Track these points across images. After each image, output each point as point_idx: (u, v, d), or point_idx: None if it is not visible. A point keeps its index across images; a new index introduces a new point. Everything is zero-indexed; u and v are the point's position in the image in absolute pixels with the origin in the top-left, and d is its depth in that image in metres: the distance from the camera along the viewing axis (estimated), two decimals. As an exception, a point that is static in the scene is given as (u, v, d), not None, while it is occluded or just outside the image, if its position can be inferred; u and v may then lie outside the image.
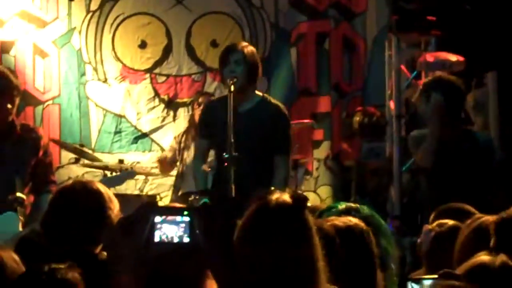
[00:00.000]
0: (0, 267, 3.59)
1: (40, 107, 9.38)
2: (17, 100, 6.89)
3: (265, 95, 6.93)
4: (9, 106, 6.75)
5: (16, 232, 5.91)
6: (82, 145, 8.93)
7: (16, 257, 3.69)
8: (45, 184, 6.96)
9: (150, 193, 8.81)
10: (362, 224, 3.80)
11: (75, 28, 9.40)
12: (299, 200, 3.33)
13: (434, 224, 4.76)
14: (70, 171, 9.07)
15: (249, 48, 6.77)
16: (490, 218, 4.22)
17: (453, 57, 8.51)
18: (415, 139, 7.24)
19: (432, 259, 4.55)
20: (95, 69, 9.43)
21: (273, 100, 6.90)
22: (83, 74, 9.40)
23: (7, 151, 6.82)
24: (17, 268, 3.64)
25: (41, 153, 6.97)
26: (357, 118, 8.84)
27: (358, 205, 4.18)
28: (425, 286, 3.42)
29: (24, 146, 6.91)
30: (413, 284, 3.53)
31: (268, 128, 6.62)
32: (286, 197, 3.33)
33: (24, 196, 6.61)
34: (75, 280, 3.39)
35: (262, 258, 3.25)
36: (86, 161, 8.76)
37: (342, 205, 4.19)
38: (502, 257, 3.33)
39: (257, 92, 6.78)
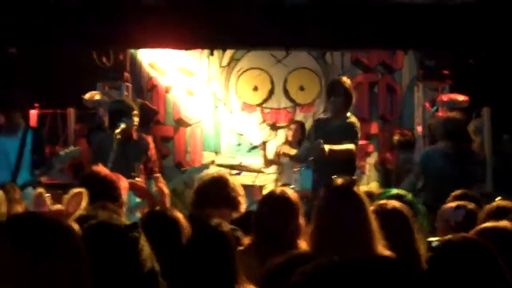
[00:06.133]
0: (178, 224, 3.46)
1: (189, 128, 9.38)
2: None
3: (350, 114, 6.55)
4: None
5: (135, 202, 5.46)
6: (216, 152, 9.14)
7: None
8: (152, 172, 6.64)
9: (259, 184, 8.64)
10: (402, 205, 3.63)
11: (212, 77, 9.43)
12: (352, 181, 3.30)
13: (454, 203, 4.31)
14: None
15: (348, 83, 6.56)
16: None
17: (461, 97, 8.52)
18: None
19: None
20: (225, 104, 9.44)
21: (351, 118, 6.50)
22: (216, 107, 9.41)
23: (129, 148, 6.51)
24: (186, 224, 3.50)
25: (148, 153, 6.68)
26: (396, 137, 8.67)
27: (405, 193, 4.08)
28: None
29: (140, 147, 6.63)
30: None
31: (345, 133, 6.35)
32: (345, 179, 3.30)
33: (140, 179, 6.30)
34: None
35: (335, 220, 3.18)
36: (218, 162, 8.91)
37: (394, 191, 4.09)
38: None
39: (347, 114, 6.49)
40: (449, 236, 2.81)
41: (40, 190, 3.15)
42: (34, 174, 6.35)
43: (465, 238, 2.74)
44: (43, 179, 6.36)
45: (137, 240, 2.67)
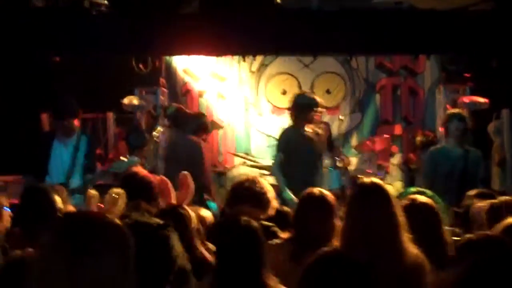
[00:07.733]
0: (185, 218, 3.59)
1: (221, 130, 9.43)
2: None
3: None
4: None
5: None
6: (247, 153, 9.16)
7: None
8: None
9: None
10: (430, 200, 3.75)
11: (242, 82, 9.48)
12: (381, 181, 3.46)
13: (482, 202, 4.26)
14: (239, 169, 9.16)
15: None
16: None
17: (481, 99, 8.54)
18: None
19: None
20: (255, 107, 9.48)
21: None
22: (247, 110, 9.46)
23: None
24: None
25: None
26: (418, 138, 8.69)
27: (424, 190, 4.22)
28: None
29: None
30: None
31: None
32: (375, 179, 3.48)
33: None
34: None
35: (365, 216, 3.29)
36: (249, 163, 9.05)
37: (414, 189, 4.25)
38: None
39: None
40: (470, 235, 2.85)
41: (94, 192, 3.32)
42: (84, 181, 6.27)
43: (486, 236, 2.76)
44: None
45: (168, 238, 2.70)
